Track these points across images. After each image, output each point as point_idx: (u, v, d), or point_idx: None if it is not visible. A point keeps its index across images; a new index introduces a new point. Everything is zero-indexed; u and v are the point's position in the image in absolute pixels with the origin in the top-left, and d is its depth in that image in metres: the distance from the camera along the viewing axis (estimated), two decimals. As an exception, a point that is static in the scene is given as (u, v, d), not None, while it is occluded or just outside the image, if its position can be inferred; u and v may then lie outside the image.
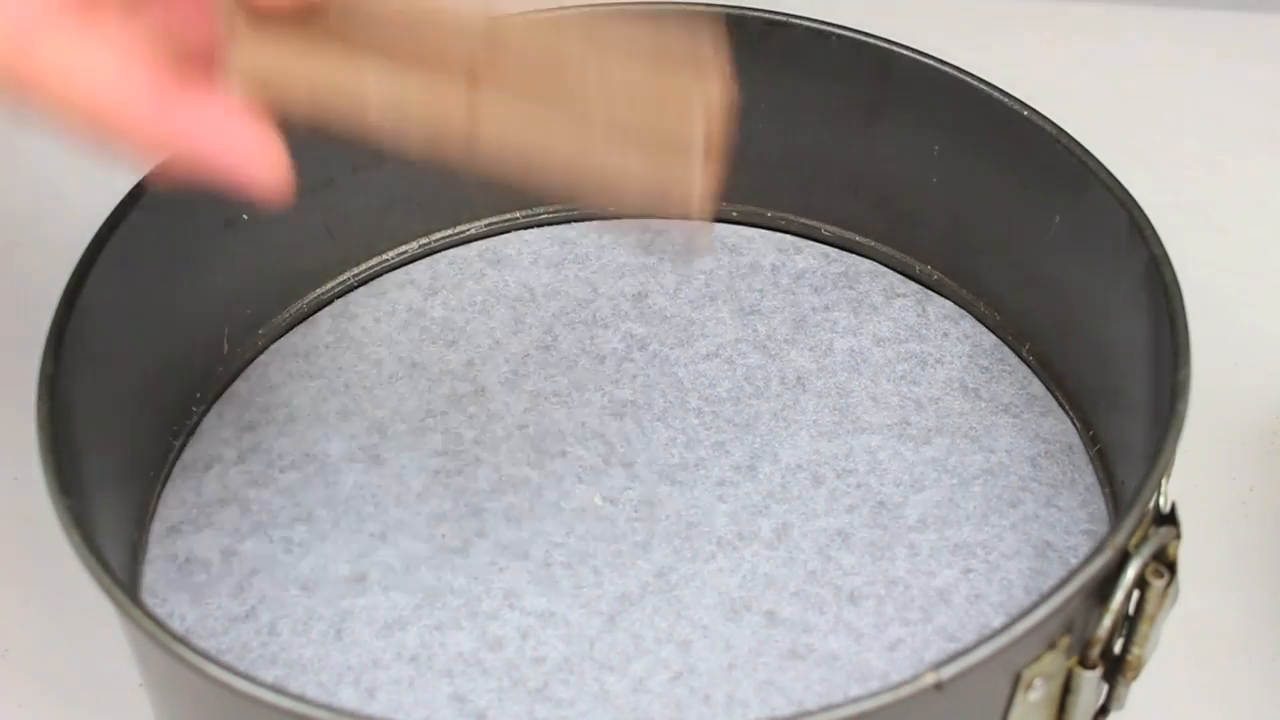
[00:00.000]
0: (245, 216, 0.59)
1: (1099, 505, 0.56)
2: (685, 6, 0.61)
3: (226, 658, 0.53)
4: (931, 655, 0.53)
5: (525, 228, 0.65)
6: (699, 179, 0.47)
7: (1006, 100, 0.58)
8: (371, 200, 0.62)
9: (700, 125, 0.46)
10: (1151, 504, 0.48)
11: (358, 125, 0.44)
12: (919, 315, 0.62)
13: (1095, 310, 0.57)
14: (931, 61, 0.59)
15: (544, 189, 0.46)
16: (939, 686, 0.43)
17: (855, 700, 0.43)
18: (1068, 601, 0.45)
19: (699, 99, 0.46)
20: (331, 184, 0.61)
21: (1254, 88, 0.77)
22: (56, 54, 0.40)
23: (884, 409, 0.59)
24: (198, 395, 0.60)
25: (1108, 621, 0.47)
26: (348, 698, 0.52)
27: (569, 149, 0.45)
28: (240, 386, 0.61)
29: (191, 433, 0.59)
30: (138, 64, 0.41)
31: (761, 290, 0.63)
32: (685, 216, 0.47)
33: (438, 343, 0.62)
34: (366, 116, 0.44)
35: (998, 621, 0.53)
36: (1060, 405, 0.59)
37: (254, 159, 0.41)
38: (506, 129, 0.45)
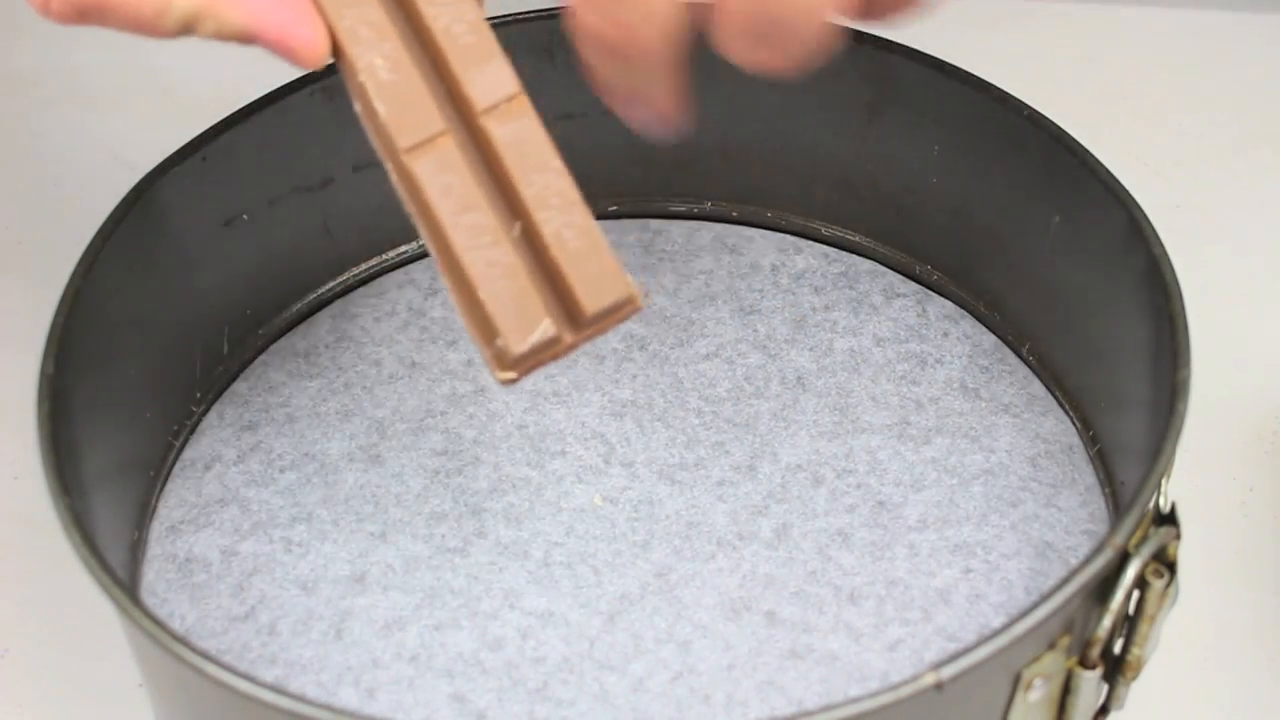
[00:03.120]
0: (245, 216, 0.59)
1: (1099, 505, 0.56)
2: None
3: (226, 658, 0.53)
4: (931, 655, 0.53)
5: (525, 228, 0.65)
6: (502, 365, 0.46)
7: (1006, 100, 0.58)
8: (371, 200, 0.62)
9: (524, 344, 0.45)
10: (1151, 504, 0.48)
11: (344, 69, 0.46)
12: (919, 315, 0.62)
13: (1095, 310, 0.57)
14: (931, 61, 0.59)
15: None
16: (939, 686, 0.43)
17: (855, 700, 0.43)
18: (1068, 601, 0.45)
19: (549, 329, 0.45)
20: (331, 184, 0.61)
21: (1254, 88, 0.77)
22: None
23: (884, 409, 0.59)
24: (198, 395, 0.60)
25: (1108, 621, 0.47)
26: (348, 698, 0.52)
27: (460, 240, 0.46)
28: (240, 386, 0.61)
29: (191, 433, 0.59)
30: None
31: (761, 290, 0.63)
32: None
33: (438, 343, 0.62)
34: (354, 73, 0.46)
35: (998, 621, 0.53)
36: (1060, 405, 0.59)
37: (300, 26, 0.45)
38: (434, 185, 0.46)
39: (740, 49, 0.46)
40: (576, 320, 0.46)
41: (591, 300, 0.45)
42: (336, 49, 0.46)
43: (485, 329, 0.46)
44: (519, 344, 0.45)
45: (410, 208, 0.47)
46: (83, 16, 0.45)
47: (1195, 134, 0.75)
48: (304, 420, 0.60)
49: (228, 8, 0.45)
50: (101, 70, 0.77)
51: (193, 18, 0.45)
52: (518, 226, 0.46)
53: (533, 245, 0.46)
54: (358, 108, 0.47)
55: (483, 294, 0.45)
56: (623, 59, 0.46)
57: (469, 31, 0.46)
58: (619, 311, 0.46)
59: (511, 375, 0.46)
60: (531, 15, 0.61)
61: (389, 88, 0.46)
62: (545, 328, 0.45)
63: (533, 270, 0.46)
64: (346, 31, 0.46)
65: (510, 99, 0.46)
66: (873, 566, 0.55)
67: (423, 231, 0.46)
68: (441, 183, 0.46)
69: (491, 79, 0.46)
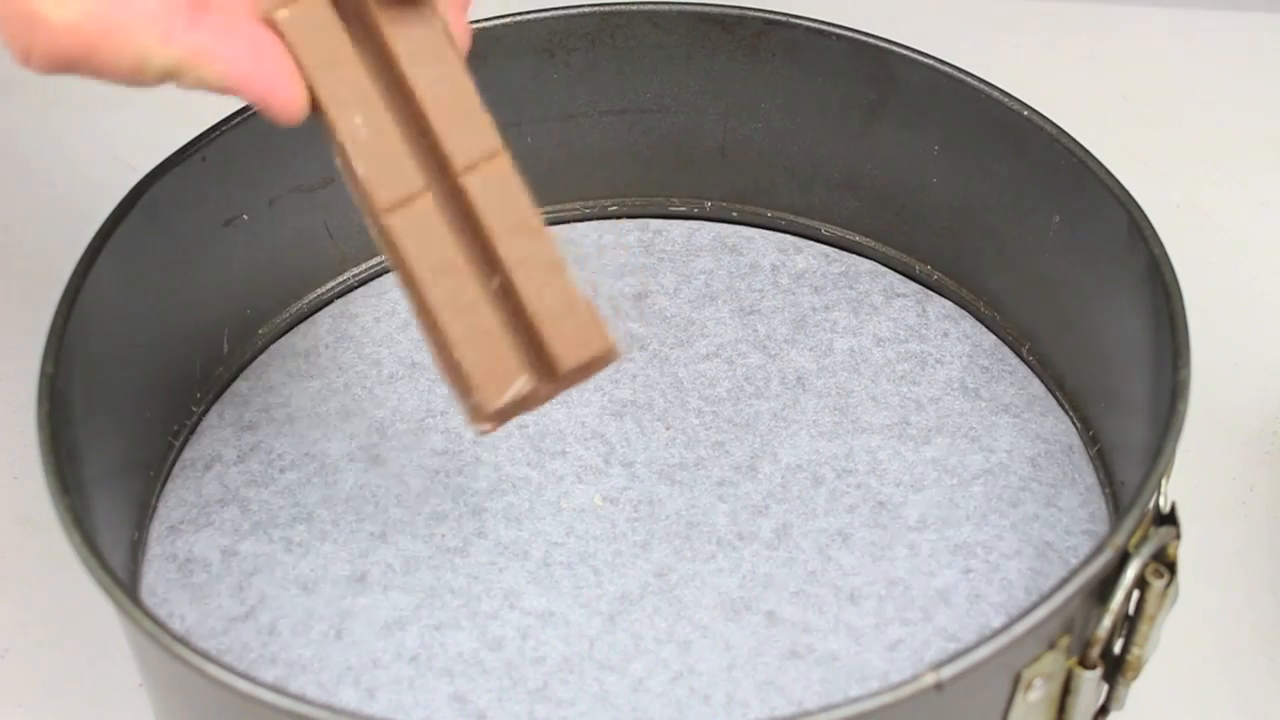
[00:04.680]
0: (245, 216, 0.59)
1: (1099, 505, 0.56)
2: (686, 7, 0.61)
3: (226, 658, 0.53)
4: (931, 655, 0.53)
5: (525, 228, 0.65)
6: (478, 419, 0.47)
7: (1006, 100, 0.58)
8: (371, 200, 0.62)
9: (500, 401, 0.46)
10: (1151, 504, 0.48)
11: (324, 127, 0.46)
12: (919, 315, 0.62)
13: (1095, 310, 0.57)
14: (931, 61, 0.59)
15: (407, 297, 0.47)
16: (939, 686, 0.43)
17: (855, 700, 0.43)
18: (1068, 601, 0.45)
19: (525, 384, 0.46)
20: (331, 184, 0.61)
21: (1254, 88, 0.77)
22: (94, 19, 0.44)
23: (884, 409, 0.59)
24: (198, 395, 0.60)
25: (1108, 621, 0.47)
26: (348, 698, 0.52)
27: (437, 299, 0.46)
28: (240, 386, 0.61)
29: (191, 433, 0.59)
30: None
31: (761, 290, 0.63)
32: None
33: (438, 343, 0.62)
34: (334, 133, 0.46)
35: (998, 621, 0.53)
36: (1060, 405, 0.59)
37: (280, 83, 0.45)
38: (411, 243, 0.46)
39: None
40: (553, 373, 0.46)
41: (567, 357, 0.46)
42: (316, 107, 0.46)
43: (462, 384, 0.46)
44: (494, 401, 0.46)
45: (392, 264, 0.47)
46: (63, 68, 0.45)
47: (1195, 134, 0.75)
48: (304, 420, 0.60)
49: (207, 63, 0.45)
50: (101, 70, 0.77)
51: (174, 70, 0.45)
52: (496, 280, 0.46)
53: (510, 300, 0.46)
54: (338, 164, 0.47)
55: (458, 354, 0.46)
56: None
57: (451, 91, 0.46)
58: (596, 363, 0.46)
59: (487, 427, 0.47)
60: (532, 15, 0.61)
61: (368, 147, 0.46)
62: (521, 385, 0.46)
63: (510, 321, 0.46)
64: (327, 90, 0.46)
65: (490, 157, 0.46)
66: (873, 566, 0.55)
67: (402, 286, 0.47)
68: (419, 242, 0.46)
69: (472, 137, 0.46)
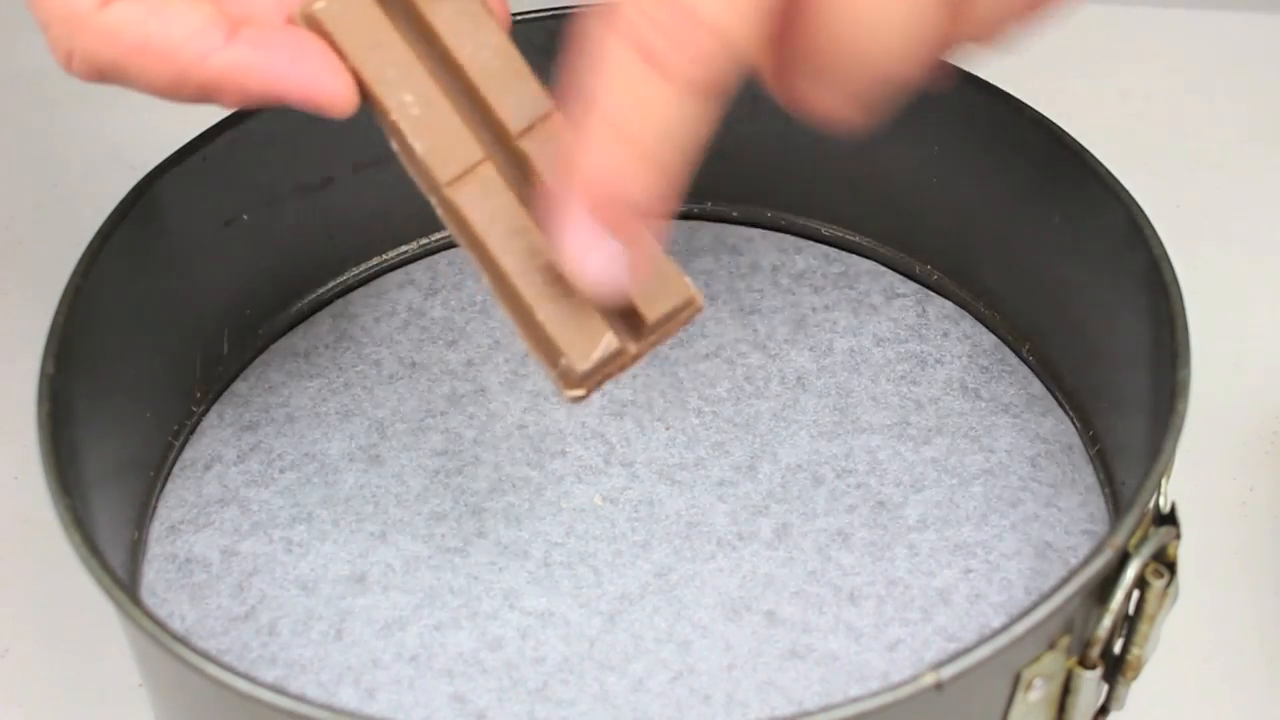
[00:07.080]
0: (245, 216, 0.59)
1: (1099, 505, 0.56)
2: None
3: (226, 658, 0.53)
4: (931, 655, 0.53)
5: (525, 228, 0.65)
6: (569, 384, 0.46)
7: (1006, 100, 0.58)
8: (371, 200, 0.62)
9: (589, 361, 0.45)
10: (1151, 504, 0.48)
11: (376, 110, 0.46)
12: (919, 315, 0.62)
13: (1095, 310, 0.57)
14: (931, 61, 0.59)
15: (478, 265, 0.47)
16: (939, 686, 0.43)
17: (855, 700, 0.43)
18: (1068, 601, 0.45)
19: (612, 342, 0.45)
20: (331, 184, 0.61)
21: (1254, 88, 0.77)
22: (132, 27, 0.44)
23: (884, 409, 0.59)
24: (198, 395, 0.60)
25: (1108, 621, 0.47)
26: (348, 698, 0.52)
27: (512, 265, 0.46)
28: (240, 386, 0.61)
29: (191, 433, 0.59)
30: (203, 15, 0.44)
31: (761, 290, 0.63)
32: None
33: (438, 343, 0.62)
34: (385, 114, 0.46)
35: (998, 621, 0.53)
36: (1060, 405, 0.59)
37: (323, 78, 0.45)
38: (479, 213, 0.46)
39: (797, 85, 0.44)
40: (638, 329, 0.46)
41: (651, 307, 0.45)
42: (365, 92, 0.46)
43: (548, 350, 0.46)
44: (583, 361, 0.45)
45: (461, 240, 0.46)
46: (102, 76, 0.45)
47: (1195, 134, 0.75)
48: (304, 420, 0.60)
49: (245, 76, 0.44)
50: (101, 70, 0.77)
51: (212, 87, 0.44)
52: None
53: None
54: (395, 147, 0.47)
55: (541, 315, 0.45)
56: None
57: (495, 56, 0.46)
58: (679, 315, 0.46)
59: (580, 392, 0.46)
60: (531, 15, 0.61)
61: (422, 123, 0.46)
62: (608, 342, 0.45)
63: None
64: (373, 74, 0.45)
65: (545, 118, 0.46)
66: (873, 566, 0.55)
67: (477, 264, 0.46)
68: (487, 210, 0.45)
69: (523, 100, 0.46)
